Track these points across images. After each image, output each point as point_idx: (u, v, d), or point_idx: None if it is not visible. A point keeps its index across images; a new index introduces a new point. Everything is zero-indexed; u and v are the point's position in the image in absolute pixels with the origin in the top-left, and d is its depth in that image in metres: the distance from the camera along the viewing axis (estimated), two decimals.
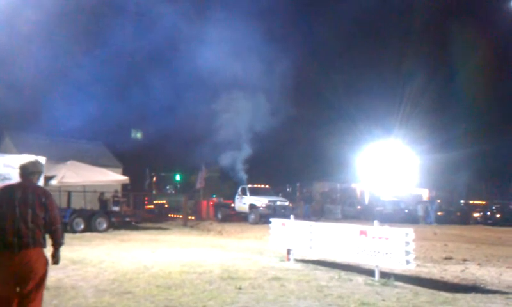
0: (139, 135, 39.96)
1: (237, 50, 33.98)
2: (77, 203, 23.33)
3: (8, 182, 18.21)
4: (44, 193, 4.97)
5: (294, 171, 45.23)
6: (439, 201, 32.77)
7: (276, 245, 12.76)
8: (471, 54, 41.98)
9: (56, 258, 5.01)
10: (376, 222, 9.70)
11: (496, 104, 42.75)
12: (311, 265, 11.28)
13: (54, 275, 8.38)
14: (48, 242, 5.04)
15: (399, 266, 9.03)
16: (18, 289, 4.66)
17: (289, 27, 46.17)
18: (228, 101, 33.46)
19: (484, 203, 32.64)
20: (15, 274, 4.62)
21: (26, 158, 5.49)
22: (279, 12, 48.19)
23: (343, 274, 10.05)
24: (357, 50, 48.47)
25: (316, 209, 34.69)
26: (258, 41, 33.49)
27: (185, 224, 27.67)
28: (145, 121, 40.45)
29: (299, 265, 11.31)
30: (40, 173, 5.18)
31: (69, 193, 22.58)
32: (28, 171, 5.05)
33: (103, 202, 25.22)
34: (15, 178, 18.50)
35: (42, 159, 19.04)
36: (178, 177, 46.58)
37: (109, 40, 34.20)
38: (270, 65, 33.70)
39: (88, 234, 19.45)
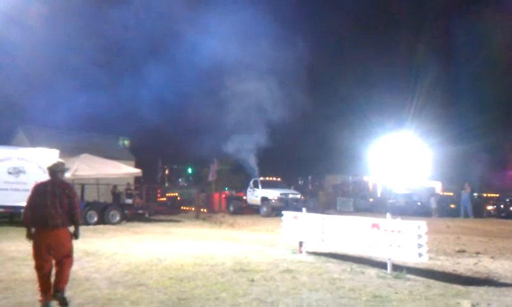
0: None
1: (249, 42, 33.94)
2: (90, 196, 23.50)
3: (21, 175, 18.57)
4: (67, 186, 6.72)
5: (306, 163, 45.26)
6: (476, 194, 31.79)
7: (288, 237, 12.76)
8: (485, 45, 41.61)
9: (76, 235, 6.67)
10: (388, 215, 9.68)
11: (510, 96, 42.37)
12: (323, 258, 11.28)
13: None
14: None
15: (412, 259, 9.01)
16: (53, 257, 6.44)
17: (302, 20, 46.02)
18: (241, 94, 33.37)
19: (497, 195, 32.31)
20: (49, 245, 6.39)
21: (53, 160, 7.13)
22: (293, 3, 48.06)
23: (355, 266, 10.05)
24: (369, 42, 48.33)
25: (324, 202, 34.64)
26: (270, 34, 33.46)
27: (197, 216, 27.79)
28: (158, 113, 40.58)
29: (311, 258, 11.32)
30: (63, 171, 6.85)
31: (82, 186, 22.73)
32: (53, 170, 6.70)
33: (116, 195, 25.38)
34: (28, 170, 18.71)
35: (55, 152, 19.25)
36: (190, 170, 46.68)
37: (120, 31, 34.36)
38: (282, 58, 33.60)
39: (101, 226, 19.60)
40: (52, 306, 6.45)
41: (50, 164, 6.79)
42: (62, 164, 6.87)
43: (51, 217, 6.33)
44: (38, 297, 6.46)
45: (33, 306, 6.55)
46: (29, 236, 6.49)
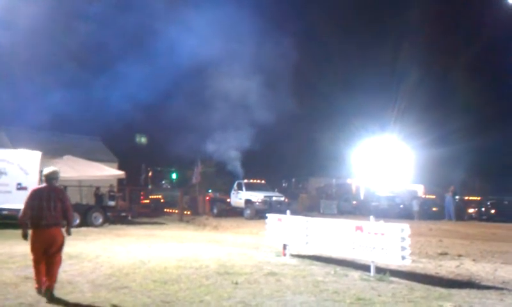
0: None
1: (232, 44, 33.94)
2: (72, 198, 23.11)
3: (3, 176, 18.29)
4: (61, 191, 7.75)
5: (289, 166, 45.31)
6: (457, 197, 31.84)
7: (272, 240, 12.79)
8: (466, 50, 42.08)
9: (68, 232, 7.70)
10: (371, 217, 9.73)
11: (491, 100, 42.91)
12: (307, 260, 11.30)
13: None
14: None
15: (395, 261, 9.07)
16: (45, 253, 7.26)
17: (285, 22, 46.07)
18: (224, 95, 33.31)
19: (478, 198, 32.64)
20: (44, 243, 7.28)
21: (49, 168, 7.88)
22: (275, 6, 48.16)
23: (339, 269, 10.09)
24: (352, 45, 48.51)
25: (306, 204, 34.70)
26: (254, 35, 33.47)
27: (181, 219, 27.72)
28: (141, 116, 40.36)
29: (295, 260, 11.34)
30: (57, 178, 7.83)
31: (65, 188, 22.38)
32: (50, 177, 7.69)
33: (99, 197, 25.17)
34: (10, 172, 18.36)
35: (38, 154, 19.03)
36: (174, 175, 46.52)
37: (95, 31, 34.14)
38: (265, 60, 33.65)
39: (83, 229, 19.41)
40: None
41: (46, 172, 7.77)
42: (57, 172, 7.85)
43: (46, 218, 7.27)
44: (34, 285, 7.36)
45: None
46: (24, 236, 7.45)
